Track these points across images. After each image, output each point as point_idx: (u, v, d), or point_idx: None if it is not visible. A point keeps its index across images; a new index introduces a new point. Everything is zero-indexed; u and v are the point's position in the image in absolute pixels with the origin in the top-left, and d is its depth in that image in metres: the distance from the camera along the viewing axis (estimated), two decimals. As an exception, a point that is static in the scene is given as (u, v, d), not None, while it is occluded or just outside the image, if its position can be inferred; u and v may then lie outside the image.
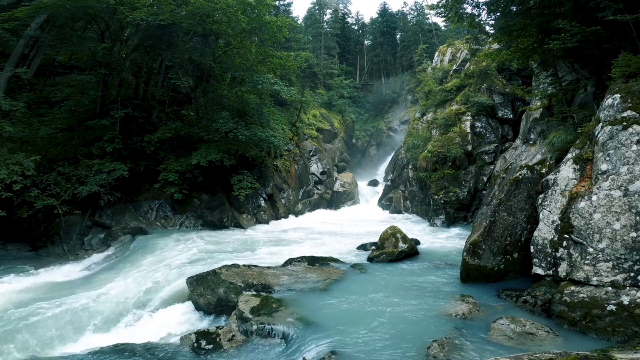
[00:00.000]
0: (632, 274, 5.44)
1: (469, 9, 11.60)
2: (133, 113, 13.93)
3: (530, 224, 7.44)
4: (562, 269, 6.14)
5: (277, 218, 17.49)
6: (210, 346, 5.62)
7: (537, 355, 3.71)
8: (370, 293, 7.11)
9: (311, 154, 23.68)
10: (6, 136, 11.19)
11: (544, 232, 6.58)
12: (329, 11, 44.52)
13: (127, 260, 10.36)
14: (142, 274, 8.75)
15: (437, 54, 26.76)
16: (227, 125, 14.26)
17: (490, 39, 12.71)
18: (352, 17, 51.43)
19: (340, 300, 6.79)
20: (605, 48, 8.17)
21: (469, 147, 17.22)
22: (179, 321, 6.96)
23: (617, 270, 5.56)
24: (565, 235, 6.22)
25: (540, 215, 6.79)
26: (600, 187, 6.00)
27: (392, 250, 10.00)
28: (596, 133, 6.59)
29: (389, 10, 48.95)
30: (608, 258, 5.65)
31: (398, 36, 47.78)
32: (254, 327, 5.90)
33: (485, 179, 16.79)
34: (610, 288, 5.53)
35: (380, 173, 30.08)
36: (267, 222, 16.33)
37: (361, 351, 4.96)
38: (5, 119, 11.23)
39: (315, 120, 26.50)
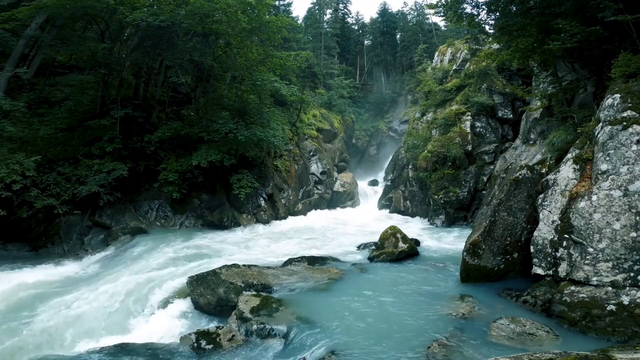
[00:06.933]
0: (632, 274, 5.44)
1: (468, 9, 11.60)
2: (133, 113, 13.92)
3: (530, 224, 7.44)
4: (562, 269, 6.15)
5: (277, 218, 17.47)
6: (210, 346, 5.62)
7: (537, 355, 3.71)
8: (371, 293, 7.11)
9: (311, 154, 23.66)
10: (6, 136, 11.18)
11: (544, 232, 6.59)
12: (329, 11, 44.48)
13: (127, 260, 10.36)
14: (142, 274, 8.75)
15: (437, 54, 26.74)
16: (227, 125, 14.24)
17: (490, 39, 12.69)
18: (352, 17, 51.45)
19: (341, 300, 6.79)
20: (605, 48, 8.17)
21: (469, 147, 17.21)
22: (179, 321, 6.96)
23: (617, 270, 5.56)
24: (565, 235, 6.22)
25: (540, 215, 6.79)
26: (600, 187, 6.00)
27: (392, 250, 10.00)
28: (596, 133, 6.59)
29: (389, 10, 48.90)
30: (608, 258, 5.66)
31: (398, 36, 47.71)
32: (254, 327, 5.90)
33: (485, 179, 16.78)
34: (610, 288, 5.53)
35: (380, 173, 30.09)
36: (267, 222, 16.32)
37: (361, 351, 4.96)
38: (6, 119, 11.22)
39: (315, 120, 26.46)
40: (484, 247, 7.46)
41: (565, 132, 9.24)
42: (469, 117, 17.94)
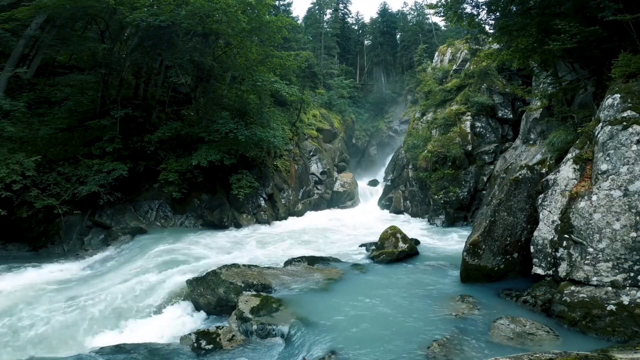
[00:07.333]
0: (632, 274, 5.44)
1: (468, 9, 11.58)
2: (133, 113, 13.92)
3: (530, 224, 7.44)
4: (562, 269, 6.14)
5: (277, 218, 17.47)
6: (210, 346, 5.62)
7: (537, 355, 3.71)
8: (370, 293, 7.11)
9: (311, 154, 23.66)
10: (6, 136, 11.18)
11: (544, 232, 6.58)
12: (329, 11, 44.46)
13: (127, 260, 10.36)
14: (142, 274, 8.75)
15: (437, 54, 26.73)
16: (227, 125, 14.25)
17: (490, 39, 12.68)
18: (352, 17, 51.38)
19: (341, 300, 6.79)
20: (605, 48, 8.17)
21: (469, 147, 17.21)
22: (179, 321, 6.96)
23: (617, 270, 5.56)
24: (565, 235, 6.22)
25: (540, 215, 6.79)
26: (600, 187, 6.00)
27: (392, 250, 10.00)
28: (596, 133, 6.59)
29: (389, 10, 48.84)
30: (608, 258, 5.65)
31: (398, 36, 47.67)
32: (254, 327, 5.91)
33: (485, 179, 16.78)
34: (610, 288, 5.53)
35: (380, 173, 30.09)
36: (267, 222, 16.32)
37: (361, 351, 4.96)
38: (6, 119, 11.22)
39: (315, 120, 26.45)
40: (484, 247, 7.46)
41: (565, 132, 9.23)
42: (469, 117, 17.94)
